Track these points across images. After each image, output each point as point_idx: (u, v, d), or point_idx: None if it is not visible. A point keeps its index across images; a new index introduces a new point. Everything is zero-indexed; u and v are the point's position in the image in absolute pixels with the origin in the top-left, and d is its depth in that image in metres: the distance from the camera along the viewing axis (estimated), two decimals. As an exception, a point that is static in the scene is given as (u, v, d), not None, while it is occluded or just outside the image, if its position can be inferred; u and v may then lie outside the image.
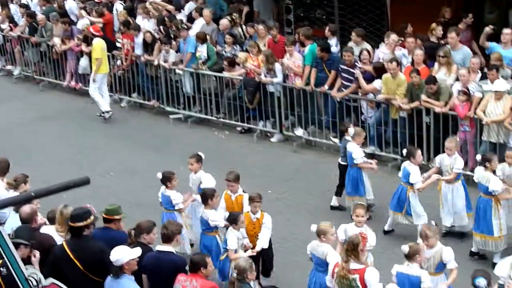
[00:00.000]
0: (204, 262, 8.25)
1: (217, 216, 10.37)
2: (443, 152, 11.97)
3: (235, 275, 8.25)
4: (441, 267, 9.33)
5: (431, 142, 14.00)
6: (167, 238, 8.61)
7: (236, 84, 16.79)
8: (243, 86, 16.44)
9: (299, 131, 16.06)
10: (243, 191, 10.90)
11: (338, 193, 12.82)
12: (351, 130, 12.40)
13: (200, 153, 11.61)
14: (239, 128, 17.00)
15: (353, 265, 8.30)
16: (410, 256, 8.76)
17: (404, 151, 12.11)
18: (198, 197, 10.82)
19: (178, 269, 8.40)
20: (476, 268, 8.81)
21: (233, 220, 9.99)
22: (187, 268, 8.40)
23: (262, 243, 10.28)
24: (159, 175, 11.05)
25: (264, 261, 10.58)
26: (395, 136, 14.26)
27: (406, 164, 11.78)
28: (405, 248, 8.83)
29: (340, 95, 15.02)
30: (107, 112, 17.76)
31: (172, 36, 17.99)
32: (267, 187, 13.43)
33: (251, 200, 10.46)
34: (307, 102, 15.74)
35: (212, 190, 10.47)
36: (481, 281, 8.13)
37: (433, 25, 15.04)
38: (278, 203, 12.07)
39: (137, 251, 8.14)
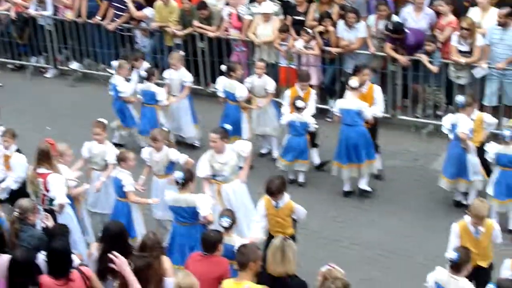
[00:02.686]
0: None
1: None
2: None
3: (16, 213, 8.03)
4: (170, 168, 9.89)
5: (207, 66, 14.30)
6: None
7: (3, 20, 16.06)
8: (11, 21, 15.77)
9: (74, 65, 15.76)
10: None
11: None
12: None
13: None
14: (10, 66, 16.36)
15: (41, 170, 8.93)
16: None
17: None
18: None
19: None
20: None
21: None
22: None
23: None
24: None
25: None
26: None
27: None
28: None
29: (113, 25, 14.84)
30: None
31: None
32: (45, 124, 13.15)
33: None
34: (79, 34, 15.43)
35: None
36: (225, 221, 8.28)
37: None
38: (59, 139, 11.79)
39: None
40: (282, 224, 8.75)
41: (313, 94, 11.80)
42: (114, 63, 12.69)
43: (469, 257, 7.29)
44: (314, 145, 11.88)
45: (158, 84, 12.31)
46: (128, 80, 12.54)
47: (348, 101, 10.86)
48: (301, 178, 11.55)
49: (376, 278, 9.36)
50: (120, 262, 6.30)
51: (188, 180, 8.83)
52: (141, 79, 12.38)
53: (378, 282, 9.27)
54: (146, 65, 12.75)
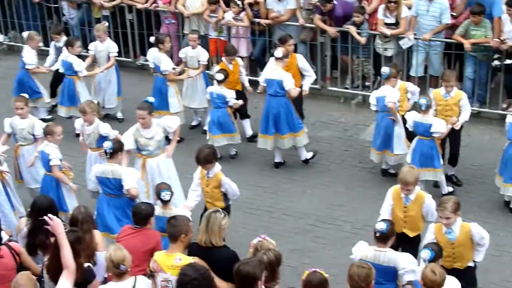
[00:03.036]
0: None
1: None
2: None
3: None
4: (102, 141, 9.58)
5: (136, 38, 14.15)
6: None
7: None
8: None
9: (0, 37, 15.41)
10: None
11: None
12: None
13: None
14: None
15: None
16: None
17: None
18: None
19: None
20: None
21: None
22: None
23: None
24: None
25: None
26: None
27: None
28: None
29: (39, -3, 14.57)
30: None
31: None
32: (-30, 98, 12.83)
33: None
34: (4, 5, 15.08)
35: None
36: (166, 194, 8.28)
37: None
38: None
39: None
40: (211, 195, 8.77)
41: (241, 65, 11.81)
42: (24, 34, 12.55)
43: (394, 229, 7.38)
44: (245, 116, 11.89)
45: (81, 56, 12.15)
46: (38, 51, 12.43)
47: (272, 71, 10.89)
48: (232, 151, 11.56)
49: (308, 248, 9.47)
50: (55, 223, 6.23)
51: (116, 150, 8.77)
52: (59, 51, 12.25)
53: (310, 252, 9.38)
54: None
